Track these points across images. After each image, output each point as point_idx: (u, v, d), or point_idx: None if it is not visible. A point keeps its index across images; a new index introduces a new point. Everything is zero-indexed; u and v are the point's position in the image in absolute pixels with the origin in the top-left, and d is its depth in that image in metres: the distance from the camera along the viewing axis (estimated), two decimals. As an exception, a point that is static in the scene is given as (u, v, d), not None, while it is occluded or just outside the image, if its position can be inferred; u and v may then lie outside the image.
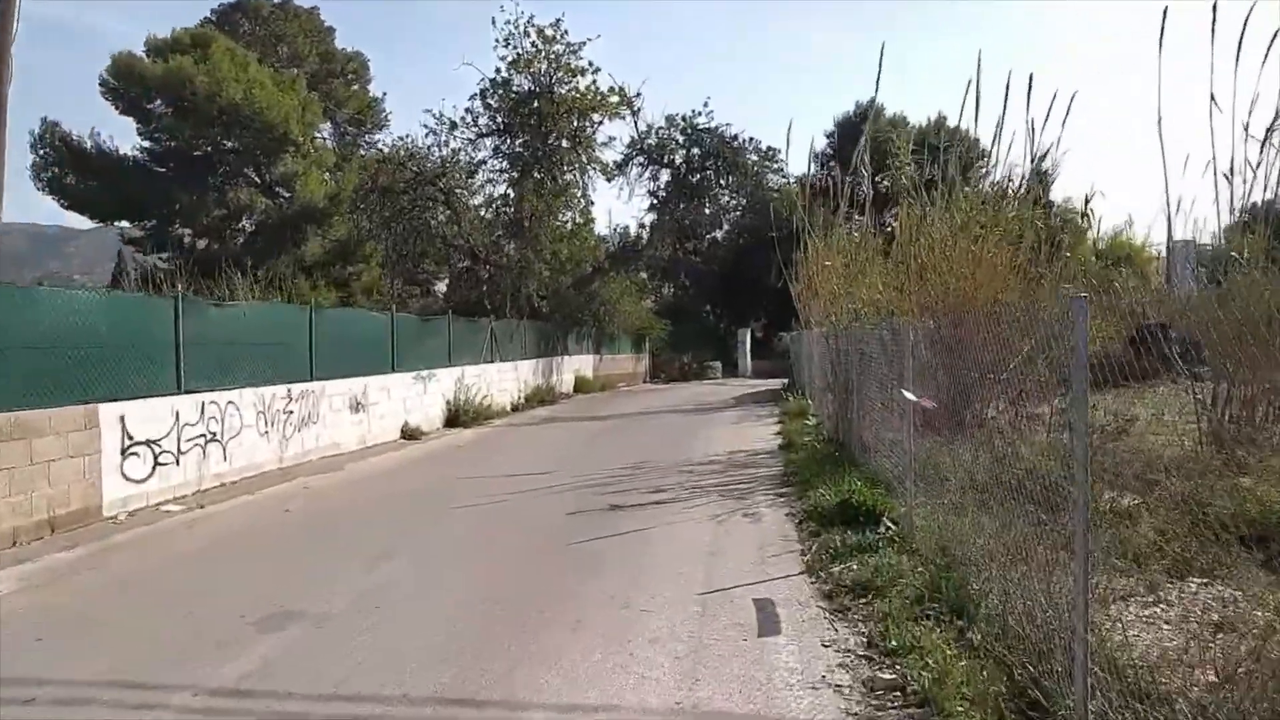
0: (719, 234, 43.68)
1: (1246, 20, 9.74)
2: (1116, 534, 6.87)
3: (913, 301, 12.01)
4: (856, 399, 11.78)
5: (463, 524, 8.96)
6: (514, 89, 28.56)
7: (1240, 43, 9.75)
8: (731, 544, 7.82)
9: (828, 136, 41.51)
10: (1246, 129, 10.51)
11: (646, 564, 7.16)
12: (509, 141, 29.16)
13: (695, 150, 34.69)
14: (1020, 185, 13.20)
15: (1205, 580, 6.07)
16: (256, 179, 33.17)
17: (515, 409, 22.27)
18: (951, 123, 15.00)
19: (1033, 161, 12.89)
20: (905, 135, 22.49)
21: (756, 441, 15.10)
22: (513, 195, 28.93)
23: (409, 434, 16.13)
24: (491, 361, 21.67)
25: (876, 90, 32.20)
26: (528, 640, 5.33)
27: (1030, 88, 12.12)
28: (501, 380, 22.13)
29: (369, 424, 15.09)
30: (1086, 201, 12.98)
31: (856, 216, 15.13)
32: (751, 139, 35.17)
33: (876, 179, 15.10)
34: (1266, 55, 9.75)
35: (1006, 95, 12.14)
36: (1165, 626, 5.33)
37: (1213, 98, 10.11)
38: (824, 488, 9.30)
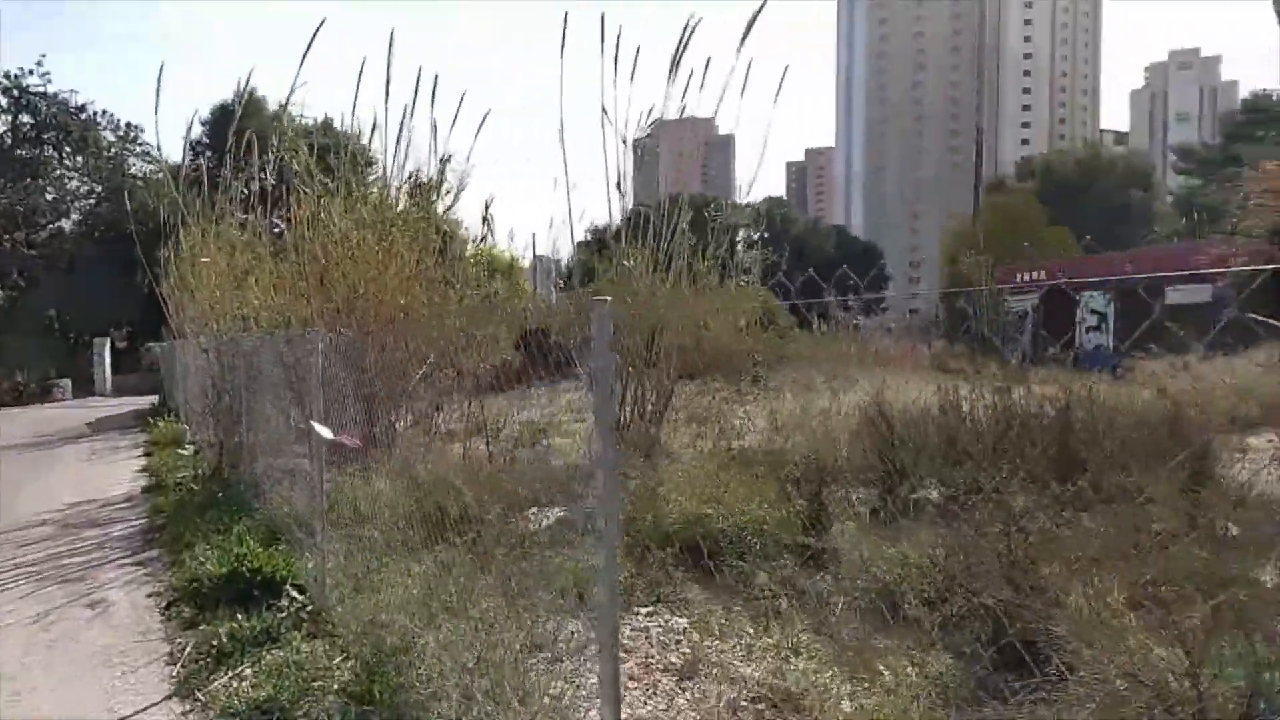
0: (66, 224, 35.88)
1: (619, 34, 10.12)
2: (548, 559, 6.17)
3: (315, 307, 10.32)
4: (247, 423, 9.67)
5: None
6: None
7: (616, 55, 10.09)
8: (55, 665, 5.26)
9: (204, 124, 36.90)
10: (626, 142, 11.07)
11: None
12: None
13: (26, 118, 27.71)
14: (426, 186, 12.44)
15: (650, 608, 5.63)
16: None
17: None
18: (339, 125, 13.66)
19: (440, 164, 12.19)
20: (297, 128, 20.47)
21: (114, 485, 11.79)
22: None
23: None
24: None
25: (299, 70, 28.99)
26: None
27: (435, 89, 11.37)
28: None
29: None
30: (486, 207, 12.68)
31: (240, 215, 12.86)
32: (107, 112, 29.37)
33: (262, 174, 12.93)
34: (634, 69, 10.27)
35: (415, 96, 11.21)
36: (633, 686, 4.60)
37: (604, 109, 10.36)
38: (206, 547, 7.14)
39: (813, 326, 25.00)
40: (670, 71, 9.68)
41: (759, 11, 10.34)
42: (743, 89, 10.71)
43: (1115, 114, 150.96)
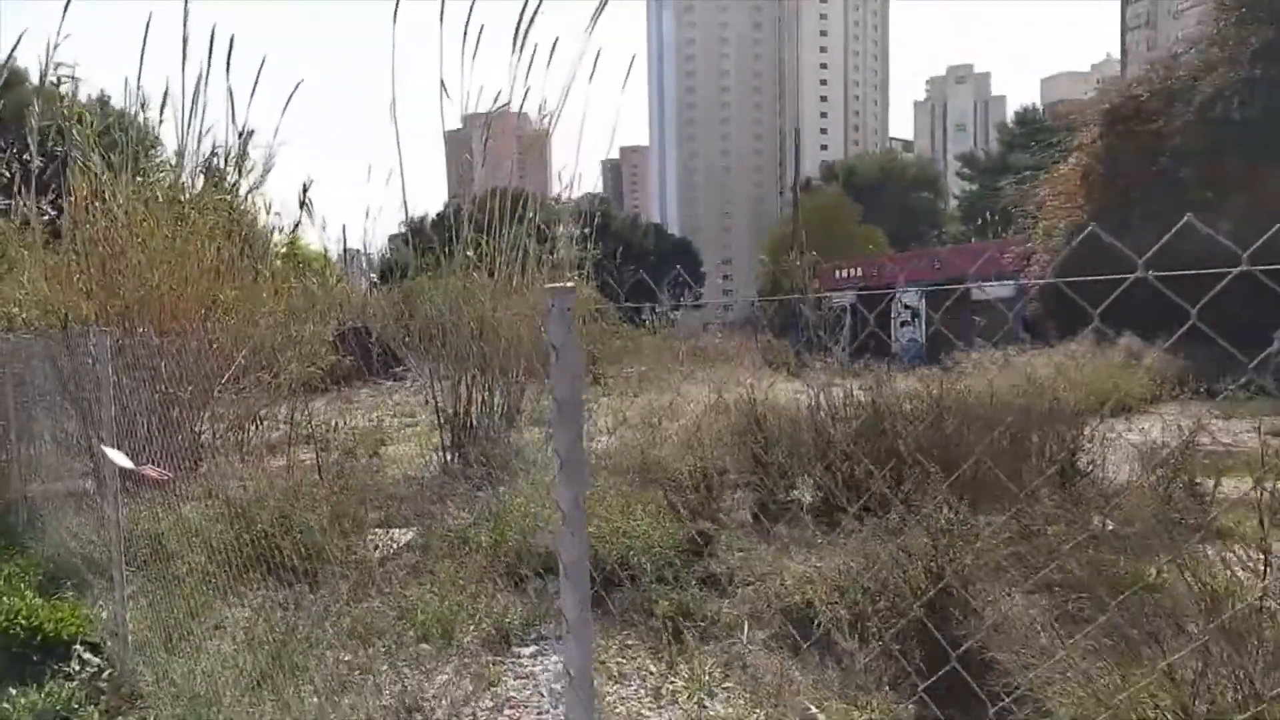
0: None
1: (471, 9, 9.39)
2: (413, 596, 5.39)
3: (99, 303, 8.85)
4: (18, 445, 8.10)
5: None
6: None
7: (465, 30, 9.36)
8: None
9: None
10: (465, 122, 10.28)
11: None
12: None
13: None
14: (226, 166, 11.06)
15: (533, 648, 4.95)
16: None
17: None
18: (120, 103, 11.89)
19: (240, 138, 10.85)
20: (70, 100, 18.10)
21: None
22: None
23: None
24: None
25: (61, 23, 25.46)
26: None
27: (231, 52, 10.05)
28: None
29: None
30: (305, 190, 11.40)
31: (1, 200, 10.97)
32: None
33: (27, 155, 11.00)
34: (477, 48, 9.57)
35: (209, 60, 9.90)
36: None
37: (443, 84, 9.55)
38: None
39: (644, 323, 24.90)
40: (515, 49, 8.95)
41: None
42: (591, 75, 10.19)
43: (902, 123, 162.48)
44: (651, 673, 4.35)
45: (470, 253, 9.78)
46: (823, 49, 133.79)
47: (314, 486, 7.32)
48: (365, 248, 20.15)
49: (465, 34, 8.99)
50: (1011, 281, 20.21)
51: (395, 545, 6.46)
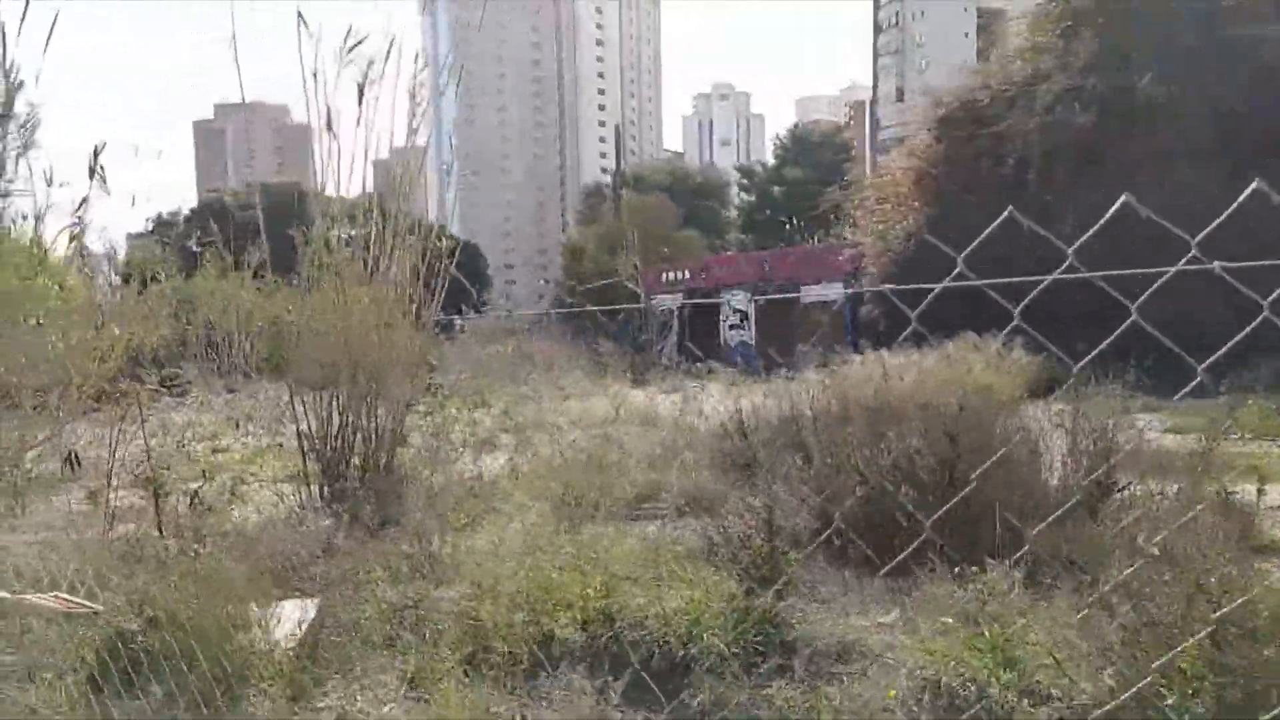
0: None
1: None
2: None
3: None
4: None
5: None
6: None
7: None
8: None
9: None
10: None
11: None
12: None
13: None
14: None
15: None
16: None
17: None
18: None
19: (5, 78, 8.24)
20: None
21: None
22: None
23: None
24: None
25: None
26: None
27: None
28: None
29: None
30: (96, 156, 8.81)
31: None
32: None
33: None
34: None
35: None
36: None
37: (300, 16, 7.65)
38: None
39: (453, 328, 23.27)
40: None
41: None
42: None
43: (671, 137, 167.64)
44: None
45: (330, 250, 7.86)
46: (599, 59, 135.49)
47: (157, 544, 5.34)
48: (107, 244, 17.43)
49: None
50: (839, 284, 20.41)
51: (299, 629, 4.61)
